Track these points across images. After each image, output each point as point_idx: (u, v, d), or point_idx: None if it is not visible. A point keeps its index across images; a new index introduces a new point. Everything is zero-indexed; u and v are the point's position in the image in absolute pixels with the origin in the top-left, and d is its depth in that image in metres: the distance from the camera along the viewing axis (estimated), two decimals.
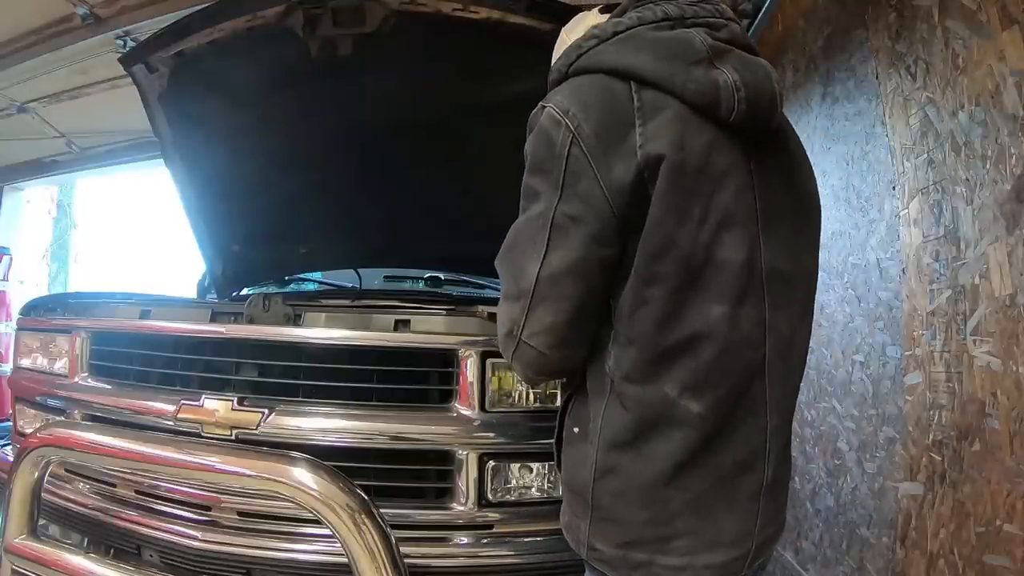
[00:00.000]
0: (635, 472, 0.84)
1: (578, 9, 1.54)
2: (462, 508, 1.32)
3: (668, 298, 0.81)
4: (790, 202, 0.91)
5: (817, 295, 1.02)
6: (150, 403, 1.41)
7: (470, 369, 1.32)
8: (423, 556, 1.25)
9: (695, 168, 0.81)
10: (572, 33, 1.07)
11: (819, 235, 0.98)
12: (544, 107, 0.85)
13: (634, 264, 0.81)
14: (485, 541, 1.32)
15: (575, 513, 0.91)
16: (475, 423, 1.32)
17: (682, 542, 0.84)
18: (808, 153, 1.01)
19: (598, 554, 0.87)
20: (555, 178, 0.82)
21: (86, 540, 1.43)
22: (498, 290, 2.58)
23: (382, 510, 1.08)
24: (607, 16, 1.04)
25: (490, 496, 1.33)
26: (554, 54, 1.14)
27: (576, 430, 0.92)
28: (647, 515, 0.84)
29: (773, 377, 0.87)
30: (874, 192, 1.96)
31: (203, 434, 1.31)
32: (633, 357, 0.83)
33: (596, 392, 0.88)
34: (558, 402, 1.36)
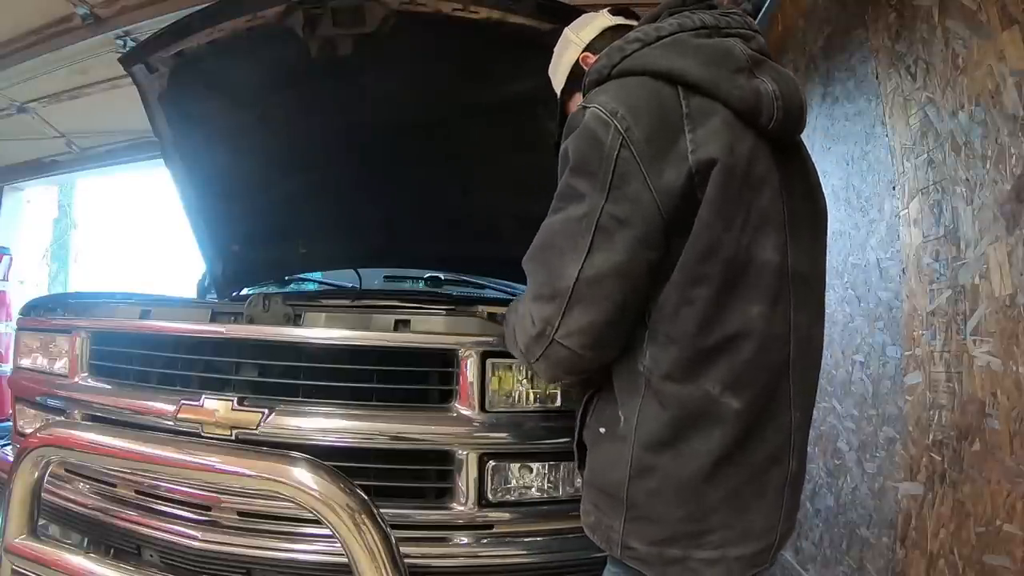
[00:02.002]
0: (674, 470, 0.85)
1: (578, 9, 1.55)
2: (462, 508, 1.32)
3: (712, 298, 0.84)
4: (808, 209, 0.95)
5: None
6: (150, 403, 1.41)
7: (470, 369, 1.32)
8: (423, 556, 1.25)
9: (741, 173, 0.84)
10: (581, 32, 1.09)
11: (826, 240, 1.02)
12: (588, 107, 0.85)
13: (679, 265, 0.83)
14: (485, 541, 1.32)
15: (605, 512, 0.91)
16: (475, 423, 1.32)
17: (716, 536, 0.86)
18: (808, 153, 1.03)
19: (633, 552, 0.88)
20: (601, 180, 0.82)
21: (86, 540, 1.43)
22: (498, 290, 2.60)
23: (382, 510, 1.08)
24: (619, 18, 1.07)
25: (490, 496, 1.33)
26: (557, 53, 1.16)
27: (603, 430, 0.93)
28: (683, 512, 0.86)
29: (796, 374, 0.90)
30: (874, 192, 1.96)
31: (203, 434, 1.31)
32: (674, 356, 0.85)
33: (628, 392, 0.89)
34: (558, 402, 1.36)
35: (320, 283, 2.61)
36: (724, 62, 0.86)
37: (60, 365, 1.60)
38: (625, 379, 0.90)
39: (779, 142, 0.90)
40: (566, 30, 1.14)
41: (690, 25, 0.89)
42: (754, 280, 0.85)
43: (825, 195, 1.03)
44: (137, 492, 1.40)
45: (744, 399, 0.85)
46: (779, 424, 0.89)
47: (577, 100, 1.07)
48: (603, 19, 1.09)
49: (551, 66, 1.18)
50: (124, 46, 3.03)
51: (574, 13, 1.54)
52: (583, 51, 1.09)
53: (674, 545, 0.86)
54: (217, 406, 1.32)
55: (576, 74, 1.10)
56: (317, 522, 1.08)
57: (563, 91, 1.16)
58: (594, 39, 1.08)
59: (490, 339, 1.33)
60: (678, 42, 0.87)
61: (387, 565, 1.02)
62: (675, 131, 0.83)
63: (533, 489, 1.36)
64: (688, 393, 0.85)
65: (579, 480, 1.19)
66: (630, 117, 0.82)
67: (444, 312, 1.44)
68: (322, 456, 1.12)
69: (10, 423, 1.71)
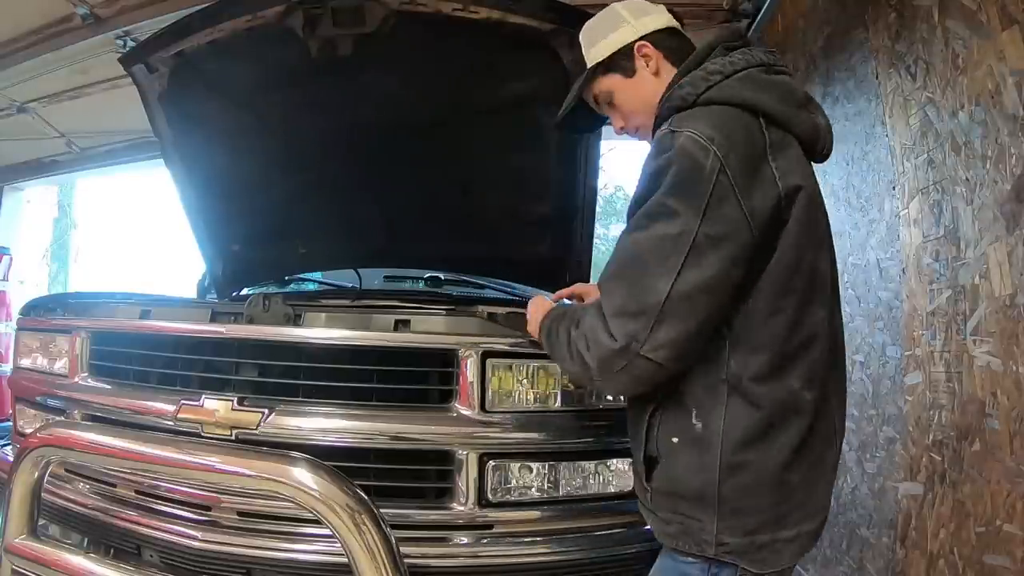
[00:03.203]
0: (763, 463, 0.93)
1: (578, 9, 1.55)
2: (462, 508, 1.31)
3: (797, 307, 0.94)
4: (825, 225, 1.06)
5: None
6: (150, 403, 1.40)
7: (470, 369, 1.32)
8: (423, 556, 1.25)
9: (816, 198, 0.98)
10: (642, 18, 1.11)
11: None
12: (681, 132, 0.91)
13: (767, 279, 0.92)
14: (485, 541, 1.32)
15: (693, 517, 0.96)
16: (475, 423, 1.32)
17: (794, 516, 0.95)
18: None
19: (727, 547, 0.93)
20: (699, 201, 0.88)
21: (86, 540, 1.43)
22: (498, 290, 2.60)
23: (382, 510, 1.08)
24: (676, 22, 1.13)
25: (490, 496, 1.33)
26: (604, 27, 1.13)
27: (676, 440, 0.97)
28: (771, 500, 0.94)
29: (837, 367, 1.03)
30: (874, 192, 1.96)
31: (203, 434, 1.31)
32: (763, 360, 0.93)
33: (707, 400, 0.95)
34: (558, 402, 1.36)
35: (320, 283, 2.61)
36: (791, 98, 0.98)
37: (60, 365, 1.60)
38: (701, 389, 0.95)
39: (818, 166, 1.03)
40: (618, 7, 1.13)
41: (755, 62, 0.98)
42: (820, 289, 0.97)
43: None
44: (137, 492, 1.40)
45: (816, 391, 0.95)
46: (830, 411, 0.99)
47: (612, 81, 1.11)
48: (666, 16, 1.12)
49: (588, 33, 1.15)
50: (124, 46, 3.03)
51: (574, 13, 1.55)
52: (640, 38, 1.08)
53: (764, 531, 0.93)
54: (217, 406, 1.32)
55: (623, 55, 1.09)
56: (317, 522, 1.08)
57: (600, 67, 1.12)
58: (655, 32, 1.09)
59: (490, 339, 1.33)
60: (751, 77, 0.97)
61: (387, 565, 1.02)
62: (761, 159, 0.92)
63: (533, 489, 1.36)
64: (777, 391, 0.93)
65: (633, 487, 1.17)
66: (726, 143, 0.89)
67: (444, 312, 1.44)
68: (322, 456, 1.12)
69: (10, 423, 1.71)
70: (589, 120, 1.24)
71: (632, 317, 0.89)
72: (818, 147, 1.01)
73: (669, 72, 1.07)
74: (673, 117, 0.96)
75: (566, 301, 1.43)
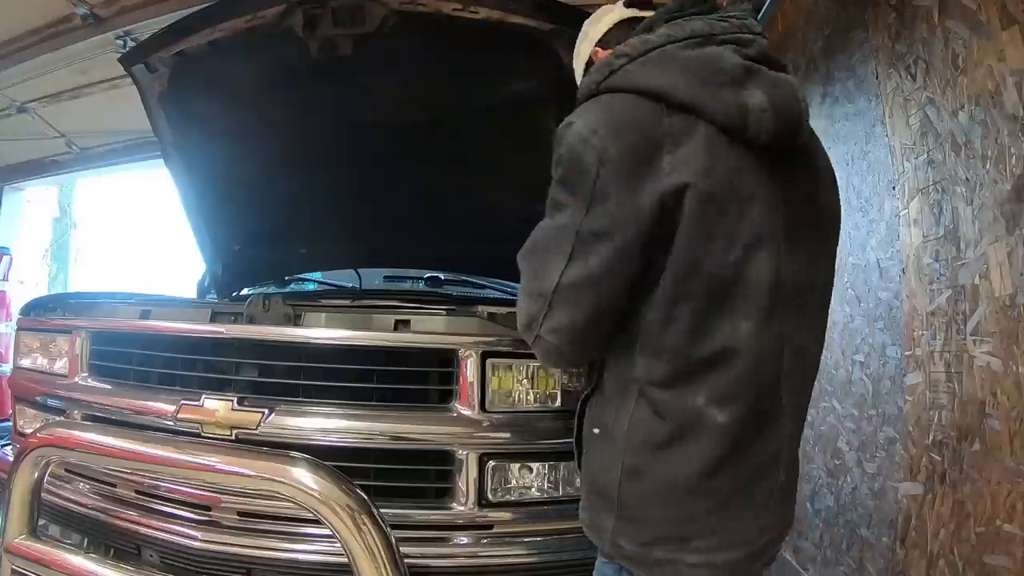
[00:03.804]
0: (662, 475, 0.88)
1: (578, 9, 1.55)
2: (462, 508, 1.32)
3: (696, 316, 0.85)
4: (812, 215, 0.94)
5: None
6: (150, 403, 1.41)
7: (470, 369, 1.32)
8: (423, 556, 1.25)
9: (721, 193, 0.84)
10: (595, 26, 1.07)
11: (837, 245, 1.02)
12: (572, 124, 0.87)
13: (662, 282, 0.85)
14: (485, 541, 1.32)
15: (598, 511, 0.94)
16: (475, 423, 1.32)
17: (702, 542, 0.88)
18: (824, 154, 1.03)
19: (622, 551, 0.91)
20: (582, 195, 0.85)
21: (86, 540, 1.43)
22: (498, 290, 2.60)
23: (382, 510, 1.08)
24: (632, 10, 1.05)
25: (490, 496, 1.33)
26: (576, 47, 1.13)
27: (596, 431, 0.95)
28: (669, 515, 0.88)
29: (789, 386, 0.91)
30: (874, 192, 1.96)
31: (203, 434, 1.31)
32: (664, 367, 0.87)
33: (621, 396, 0.91)
34: (558, 402, 1.36)
35: (320, 283, 2.61)
36: (711, 76, 0.85)
37: (60, 365, 1.60)
38: (619, 384, 0.92)
39: (777, 151, 0.88)
40: (585, 23, 1.12)
41: (679, 35, 0.88)
42: (744, 297, 0.86)
43: (839, 199, 1.01)
44: (137, 492, 1.40)
45: (730, 413, 0.86)
46: (769, 437, 0.90)
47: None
48: (616, 13, 1.05)
49: (573, 59, 1.16)
50: (124, 46, 3.03)
51: (574, 13, 1.55)
52: (595, 46, 1.07)
53: (660, 547, 0.88)
54: (217, 406, 1.32)
55: (588, 68, 1.07)
56: (317, 522, 1.08)
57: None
58: (605, 34, 1.06)
59: (490, 339, 1.33)
60: (665, 56, 0.87)
61: (387, 565, 1.02)
62: (654, 149, 0.83)
63: (533, 489, 1.36)
64: (677, 403, 0.87)
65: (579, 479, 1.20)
66: (609, 136, 0.84)
67: (444, 312, 1.44)
68: (322, 456, 1.12)
69: (10, 423, 1.71)
70: None
71: (534, 299, 0.89)
72: (748, 132, 0.85)
73: None
74: (577, 109, 0.91)
75: None
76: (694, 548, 0.88)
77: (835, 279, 1.04)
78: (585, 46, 1.10)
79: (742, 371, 0.86)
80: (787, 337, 0.90)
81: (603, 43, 1.06)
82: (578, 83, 1.13)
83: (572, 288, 0.86)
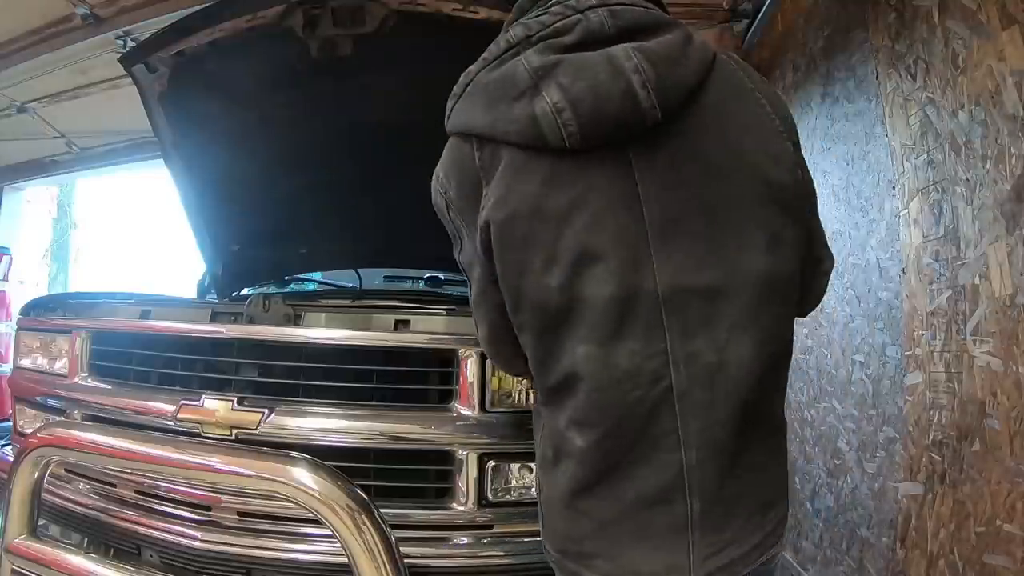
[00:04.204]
0: (550, 491, 0.87)
1: None
2: (462, 508, 1.32)
3: (537, 344, 0.82)
4: (716, 198, 0.78)
5: None
6: (150, 403, 1.41)
7: (470, 369, 1.32)
8: (423, 556, 1.25)
9: (527, 218, 0.77)
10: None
11: (787, 228, 0.82)
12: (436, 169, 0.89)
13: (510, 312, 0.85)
14: (485, 541, 1.32)
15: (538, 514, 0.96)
16: (475, 423, 1.32)
17: (600, 563, 0.83)
18: (807, 153, 0.95)
19: (549, 555, 0.92)
20: (450, 233, 0.90)
21: (86, 540, 1.43)
22: None
23: (382, 510, 1.08)
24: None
25: (490, 496, 1.33)
26: None
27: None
28: (565, 529, 0.86)
29: (689, 409, 0.78)
30: (874, 192, 1.96)
31: (203, 434, 1.31)
32: (539, 391, 0.88)
33: (536, 413, 0.94)
34: None
35: (320, 283, 2.61)
36: (504, 94, 0.77)
37: (60, 365, 1.60)
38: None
39: (621, 143, 0.76)
40: None
41: (491, 55, 0.81)
42: (580, 319, 0.77)
43: (802, 170, 0.86)
44: (137, 492, 1.40)
45: (588, 438, 0.79)
46: (657, 465, 0.79)
47: None
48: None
49: None
50: (124, 46, 3.03)
51: None
52: None
53: (569, 559, 0.86)
54: (217, 406, 1.32)
55: None
56: (317, 522, 1.08)
57: None
58: None
59: None
60: (474, 87, 0.82)
61: (387, 565, 1.02)
62: (477, 189, 0.81)
63: (533, 489, 1.36)
64: (551, 424, 0.86)
65: None
66: (446, 181, 0.85)
67: (444, 312, 1.44)
68: (322, 456, 1.12)
69: (10, 423, 1.71)
70: None
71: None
72: (549, 140, 0.75)
73: None
74: None
75: None
76: (595, 567, 0.83)
77: (836, 279, 0.96)
78: None
79: (588, 396, 0.78)
80: (680, 354, 0.77)
81: None
82: None
83: (474, 308, 0.92)
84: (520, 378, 1.28)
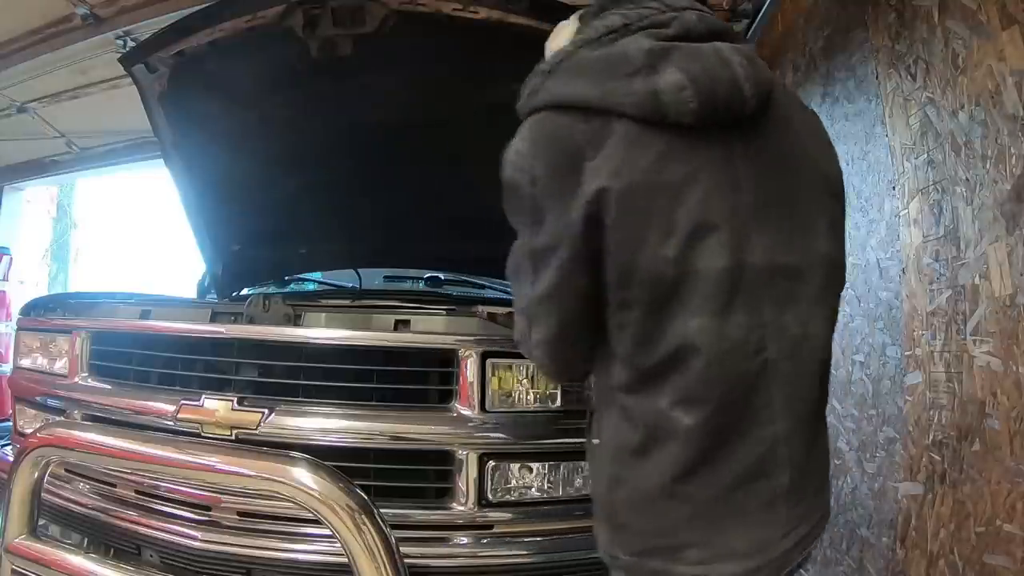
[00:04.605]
0: (639, 483, 0.85)
1: (577, 9, 1.55)
2: (462, 508, 1.32)
3: (645, 318, 0.82)
4: (792, 188, 0.87)
5: None
6: (150, 403, 1.41)
7: (470, 369, 1.32)
8: (423, 556, 1.25)
9: (643, 189, 0.79)
10: (553, 42, 1.01)
11: (839, 217, 0.96)
12: (508, 149, 0.87)
13: (608, 290, 0.83)
14: (485, 541, 1.32)
15: (598, 521, 0.93)
16: (475, 423, 1.32)
17: (693, 552, 0.83)
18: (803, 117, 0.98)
19: (618, 562, 0.89)
20: (524, 217, 0.86)
21: (86, 540, 1.43)
22: (497, 290, 2.60)
23: (382, 510, 1.08)
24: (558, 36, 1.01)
25: (490, 496, 1.33)
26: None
27: (594, 442, 0.95)
28: (654, 525, 0.85)
29: (780, 381, 0.84)
30: (874, 192, 1.96)
31: (203, 434, 1.31)
32: (628, 373, 0.85)
33: (603, 405, 0.91)
34: (558, 402, 1.36)
35: (320, 283, 2.61)
36: (616, 69, 0.81)
37: (60, 365, 1.61)
38: (602, 394, 0.92)
39: (724, 126, 0.82)
40: (547, 41, 1.07)
41: (591, 36, 0.86)
42: (693, 291, 0.80)
43: (837, 162, 0.97)
44: (137, 492, 1.40)
45: (697, 415, 0.81)
46: (755, 438, 0.83)
47: None
48: (569, 28, 0.97)
49: None
50: (124, 46, 3.03)
51: (574, 13, 1.54)
52: None
53: (653, 557, 0.85)
54: (217, 406, 1.32)
55: None
56: (317, 522, 1.08)
57: None
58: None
59: (490, 339, 1.33)
60: (575, 62, 0.85)
61: (387, 565, 1.02)
62: (576, 161, 0.81)
63: (533, 489, 1.36)
64: (644, 407, 0.84)
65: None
66: (531, 156, 0.83)
67: (444, 312, 1.44)
68: (322, 456, 1.12)
69: (10, 423, 1.71)
70: None
71: (519, 316, 0.92)
72: (669, 115, 0.79)
73: None
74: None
75: None
76: (687, 559, 0.83)
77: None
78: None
79: (702, 369, 0.80)
80: (774, 326, 0.83)
81: None
82: None
83: (538, 304, 0.86)
84: (572, 381, 1.26)
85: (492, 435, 1.33)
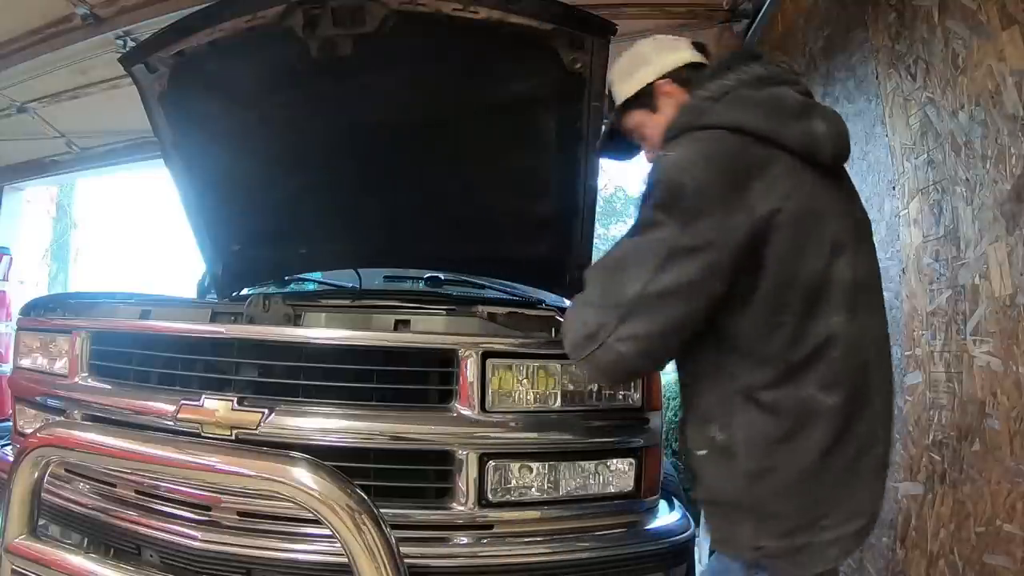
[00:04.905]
0: (788, 467, 0.98)
1: (578, 9, 1.55)
2: (462, 508, 1.32)
3: (798, 321, 0.97)
4: (861, 223, 1.09)
5: None
6: (150, 403, 1.40)
7: (470, 369, 1.32)
8: (423, 556, 1.25)
9: (805, 212, 0.97)
10: (664, 56, 1.18)
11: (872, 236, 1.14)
12: (669, 155, 1.00)
13: (760, 296, 0.97)
14: (485, 541, 1.32)
15: (732, 523, 1.02)
16: (475, 423, 1.32)
17: (830, 519, 0.99)
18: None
19: (765, 551, 0.99)
20: (680, 216, 0.95)
21: (86, 540, 1.43)
22: (498, 290, 2.60)
23: (382, 510, 1.08)
24: (700, 55, 1.19)
25: (490, 496, 1.33)
26: (629, 65, 1.22)
27: (702, 453, 1.04)
28: (802, 502, 0.98)
29: (876, 371, 1.04)
30: (874, 192, 1.96)
31: (203, 434, 1.31)
32: (770, 371, 0.98)
33: (721, 410, 1.01)
34: (558, 402, 1.36)
35: (320, 283, 2.61)
36: (780, 111, 1.00)
37: (60, 365, 1.60)
38: (716, 401, 1.02)
39: (833, 170, 1.05)
40: (643, 47, 1.21)
41: (748, 79, 1.04)
42: (833, 295, 0.98)
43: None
44: (137, 492, 1.40)
45: (838, 396, 0.97)
46: (867, 416, 1.01)
47: (638, 116, 1.20)
48: (687, 52, 1.18)
49: (616, 72, 1.24)
50: (124, 46, 3.03)
51: (574, 13, 1.54)
52: (662, 76, 1.16)
53: (800, 534, 0.98)
54: (217, 406, 1.32)
55: (646, 93, 1.18)
56: (317, 522, 1.08)
57: (625, 105, 1.22)
58: (677, 69, 1.17)
59: (490, 339, 1.33)
60: (739, 97, 1.02)
61: (387, 565, 1.02)
62: (743, 179, 0.95)
63: (533, 489, 1.36)
64: (791, 398, 0.98)
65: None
66: (703, 165, 0.96)
67: (444, 312, 1.44)
68: (322, 456, 1.12)
69: (10, 423, 1.71)
70: (626, 148, 1.31)
71: (603, 308, 0.97)
72: (820, 155, 1.00)
73: None
74: (671, 143, 1.04)
75: None
76: (826, 527, 0.98)
77: None
78: (647, 71, 1.18)
79: (841, 356, 0.97)
80: (868, 327, 1.03)
81: (675, 77, 1.16)
82: (617, 99, 1.23)
83: (656, 298, 0.94)
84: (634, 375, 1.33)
85: (492, 435, 1.33)
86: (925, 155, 1.66)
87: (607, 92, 1.28)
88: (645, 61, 1.19)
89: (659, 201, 0.97)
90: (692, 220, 0.94)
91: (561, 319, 1.41)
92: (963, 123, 1.49)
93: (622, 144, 1.30)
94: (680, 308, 0.95)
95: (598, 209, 2.02)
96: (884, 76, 1.87)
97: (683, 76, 1.15)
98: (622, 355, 0.96)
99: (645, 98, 1.18)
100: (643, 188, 1.02)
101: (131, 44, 2.98)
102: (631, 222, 1.03)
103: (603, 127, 1.31)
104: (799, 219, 0.96)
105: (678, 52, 1.18)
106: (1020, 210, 1.31)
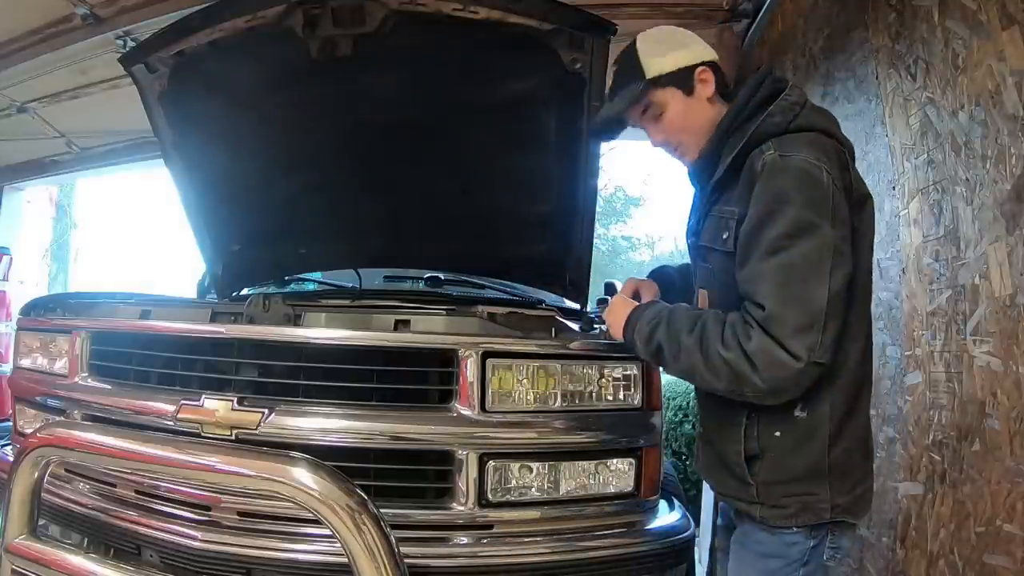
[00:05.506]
0: (856, 429, 1.12)
1: (578, 9, 1.55)
2: (462, 508, 1.32)
3: (867, 298, 1.15)
4: None
5: None
6: (150, 403, 1.40)
7: (470, 369, 1.32)
8: (423, 556, 1.25)
9: (870, 206, 1.15)
10: (701, 49, 1.22)
11: None
12: (791, 156, 1.05)
13: (855, 276, 1.07)
14: (485, 541, 1.32)
15: (809, 492, 1.09)
16: (475, 423, 1.32)
17: (871, 469, 1.17)
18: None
19: (840, 507, 1.09)
20: (829, 213, 1.02)
21: (86, 540, 1.43)
22: (498, 290, 2.59)
23: (382, 510, 1.08)
24: (705, 47, 1.24)
25: (490, 496, 1.33)
26: (661, 46, 1.21)
27: (779, 433, 1.10)
28: (862, 456, 1.14)
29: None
30: (874, 192, 1.95)
31: (203, 434, 1.31)
32: (860, 346, 1.12)
33: (811, 389, 1.06)
34: (558, 402, 1.36)
35: (320, 283, 2.61)
36: (834, 123, 1.16)
37: (60, 365, 1.60)
38: None
39: None
40: (676, 32, 1.24)
41: (800, 96, 1.15)
42: (871, 290, 1.17)
43: None
44: (137, 492, 1.40)
45: (869, 365, 1.17)
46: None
47: (670, 95, 1.19)
48: (712, 51, 1.25)
49: (653, 45, 1.22)
50: (124, 46, 3.03)
51: (574, 13, 1.54)
52: (702, 64, 1.20)
53: (860, 485, 1.12)
54: (217, 406, 1.32)
55: (687, 72, 1.19)
56: (317, 522, 1.08)
57: (659, 82, 1.19)
58: (712, 62, 1.22)
59: (490, 339, 1.33)
60: (816, 109, 1.16)
61: (387, 565, 1.02)
62: (847, 174, 1.08)
63: (533, 489, 1.36)
64: (864, 369, 1.14)
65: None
66: (828, 162, 1.05)
67: (444, 312, 1.44)
68: (322, 456, 1.12)
69: (10, 423, 1.71)
70: (611, 127, 1.30)
71: (808, 331, 0.99)
72: (853, 158, 1.14)
73: (716, 102, 1.20)
74: (771, 142, 1.08)
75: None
76: (870, 475, 1.16)
77: None
78: (686, 55, 1.20)
79: (869, 334, 1.17)
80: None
81: (712, 68, 1.21)
82: (649, 74, 1.19)
83: (837, 297, 1.01)
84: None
85: (492, 435, 1.33)
86: (925, 155, 1.66)
87: (627, 65, 1.23)
88: (683, 44, 1.21)
89: (806, 202, 1.02)
90: (836, 216, 1.02)
91: (561, 319, 1.41)
92: (963, 123, 1.49)
93: (612, 121, 1.29)
94: (837, 281, 1.01)
95: (598, 209, 2.01)
96: (884, 76, 1.87)
97: (717, 73, 1.20)
98: (822, 366, 1.02)
99: (685, 77, 1.19)
100: (768, 188, 1.04)
101: (131, 44, 2.98)
102: (761, 223, 1.04)
103: (608, 103, 1.28)
104: (871, 210, 1.15)
105: (707, 48, 1.24)
106: (1020, 210, 1.31)
